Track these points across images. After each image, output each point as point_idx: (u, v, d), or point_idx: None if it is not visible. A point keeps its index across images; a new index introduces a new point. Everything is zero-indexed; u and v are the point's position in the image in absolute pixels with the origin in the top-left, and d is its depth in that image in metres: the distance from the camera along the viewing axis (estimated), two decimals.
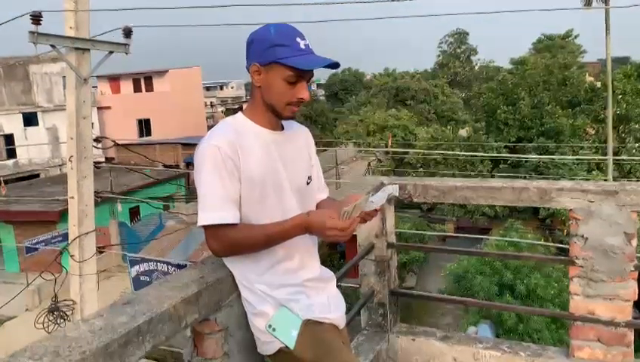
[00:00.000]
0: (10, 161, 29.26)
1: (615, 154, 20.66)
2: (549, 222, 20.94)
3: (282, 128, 1.81)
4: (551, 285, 12.12)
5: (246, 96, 69.08)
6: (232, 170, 1.63)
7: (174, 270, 13.13)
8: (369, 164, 25.89)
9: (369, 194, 1.67)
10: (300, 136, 1.90)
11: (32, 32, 5.62)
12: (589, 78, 28.74)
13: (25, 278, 15.52)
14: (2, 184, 24.08)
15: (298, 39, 1.64)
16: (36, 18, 5.65)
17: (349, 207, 1.58)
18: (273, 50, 1.64)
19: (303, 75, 1.66)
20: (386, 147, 26.34)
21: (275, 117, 1.74)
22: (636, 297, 2.55)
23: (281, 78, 1.65)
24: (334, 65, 1.69)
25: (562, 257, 2.94)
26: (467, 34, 45.78)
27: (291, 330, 1.70)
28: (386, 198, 1.66)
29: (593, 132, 23.87)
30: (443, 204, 21.45)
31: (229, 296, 1.77)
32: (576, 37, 39.63)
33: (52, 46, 5.93)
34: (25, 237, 18.17)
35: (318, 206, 1.91)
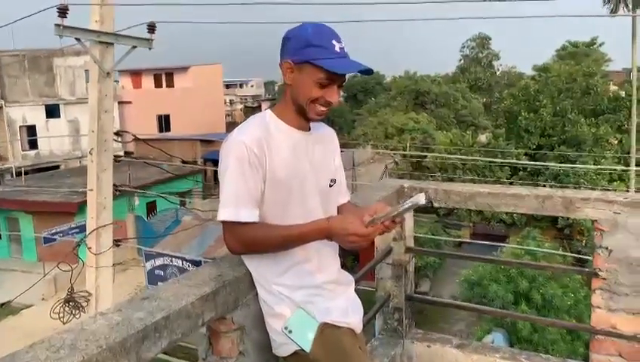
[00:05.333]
0: (32, 152, 29.72)
1: (638, 165, 20.29)
2: (568, 232, 20.62)
3: (309, 129, 1.79)
4: (567, 295, 11.93)
5: (265, 95, 69.14)
6: (256, 168, 1.61)
7: (189, 265, 13.25)
8: (386, 167, 25.74)
9: (399, 204, 1.62)
10: (326, 138, 1.88)
11: (57, 25, 5.67)
12: (614, 87, 28.24)
13: (42, 268, 15.76)
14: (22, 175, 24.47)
15: (334, 41, 1.62)
16: (62, 11, 5.70)
17: (377, 215, 1.56)
18: (308, 50, 1.61)
19: (334, 78, 1.63)
20: (404, 150, 26.17)
21: (303, 117, 1.71)
22: None
23: (313, 79, 1.62)
24: (367, 71, 1.65)
25: (585, 269, 2.88)
26: (489, 39, 45.24)
27: (308, 333, 1.67)
28: (412, 207, 1.60)
29: (616, 142, 23.46)
30: (460, 210, 21.25)
31: (247, 295, 1.76)
32: (601, 45, 38.95)
33: (77, 39, 5.97)
34: (43, 227, 18.44)
35: (338, 210, 1.88)
